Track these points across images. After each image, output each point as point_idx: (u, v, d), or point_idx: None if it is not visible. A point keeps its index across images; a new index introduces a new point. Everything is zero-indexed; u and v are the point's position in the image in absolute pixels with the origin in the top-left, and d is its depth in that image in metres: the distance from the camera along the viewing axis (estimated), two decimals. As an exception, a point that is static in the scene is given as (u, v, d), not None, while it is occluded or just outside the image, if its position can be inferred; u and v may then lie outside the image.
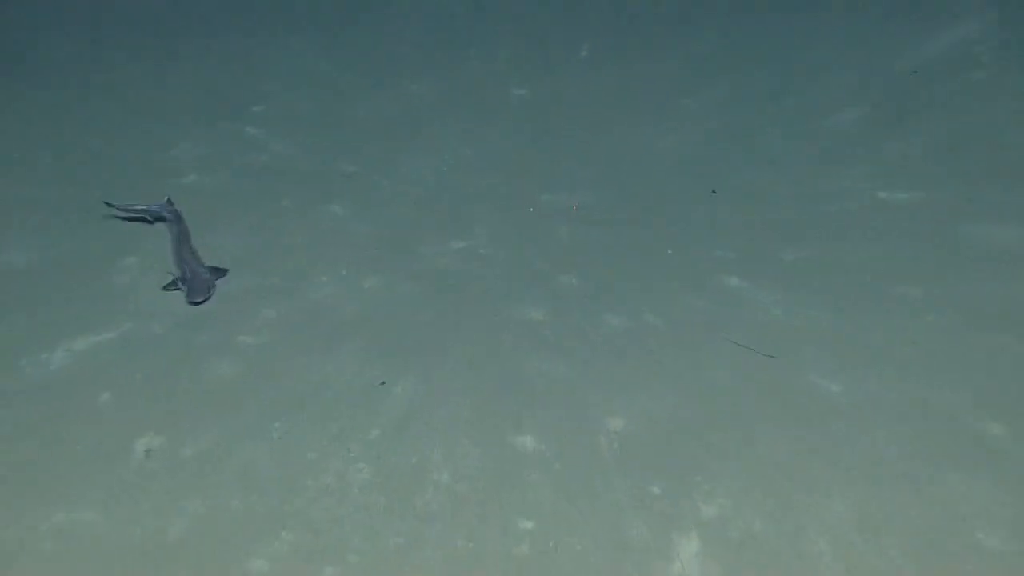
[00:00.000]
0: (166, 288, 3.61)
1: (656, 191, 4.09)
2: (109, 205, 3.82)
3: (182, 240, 3.70)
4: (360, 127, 4.48)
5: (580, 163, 4.20)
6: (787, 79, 4.44)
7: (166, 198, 3.83)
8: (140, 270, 3.82)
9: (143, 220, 3.89)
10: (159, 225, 3.95)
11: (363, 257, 3.87)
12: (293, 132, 4.46)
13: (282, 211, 4.02)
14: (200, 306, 3.59)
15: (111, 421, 3.28)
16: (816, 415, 3.27)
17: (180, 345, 3.53)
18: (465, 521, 2.97)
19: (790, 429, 3.23)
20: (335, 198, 4.09)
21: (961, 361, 3.40)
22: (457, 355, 3.46)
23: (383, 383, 3.33)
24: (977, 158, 4.05)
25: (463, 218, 3.99)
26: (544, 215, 4.00)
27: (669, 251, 3.72)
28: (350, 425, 3.25)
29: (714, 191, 3.75)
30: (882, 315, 3.55)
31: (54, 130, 4.39)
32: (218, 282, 3.70)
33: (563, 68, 4.63)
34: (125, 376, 3.41)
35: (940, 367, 3.39)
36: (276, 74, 4.76)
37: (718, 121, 4.29)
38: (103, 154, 4.32)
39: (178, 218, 3.76)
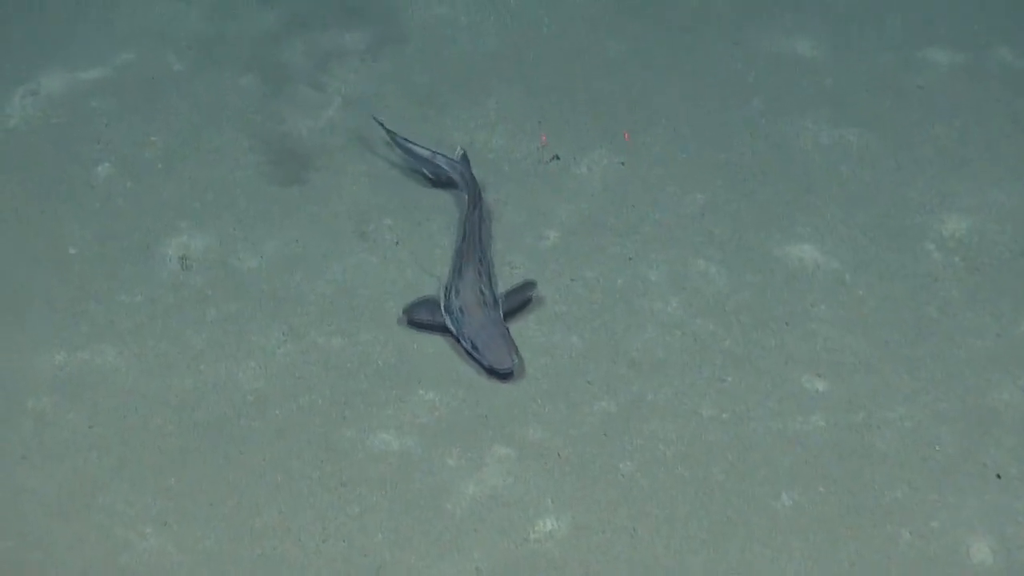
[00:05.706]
0: (415, 323, 2.22)
1: None
2: (385, 129, 2.55)
3: (478, 235, 2.33)
4: None
5: None
6: None
7: (460, 150, 2.56)
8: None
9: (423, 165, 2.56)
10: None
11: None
12: None
13: None
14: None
15: (124, 212, 2.41)
16: None
17: (212, 89, 2.77)
18: (698, 367, 2.15)
19: None
20: None
21: None
22: (670, 113, 2.69)
23: (556, 158, 2.58)
24: None
25: None
26: None
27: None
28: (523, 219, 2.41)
29: None
30: None
31: None
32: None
33: None
34: (132, 137, 2.64)
35: None
36: None
37: None
38: None
39: (471, 186, 2.42)
